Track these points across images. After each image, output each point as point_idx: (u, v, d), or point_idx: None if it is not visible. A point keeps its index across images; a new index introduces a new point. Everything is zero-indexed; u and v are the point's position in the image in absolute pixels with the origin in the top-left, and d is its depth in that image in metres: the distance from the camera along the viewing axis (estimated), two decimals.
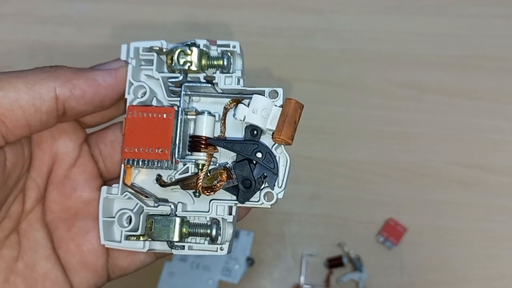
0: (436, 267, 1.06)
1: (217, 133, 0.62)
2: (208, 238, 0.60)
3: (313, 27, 1.20)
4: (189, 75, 0.61)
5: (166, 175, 0.62)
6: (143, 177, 0.63)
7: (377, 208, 1.09)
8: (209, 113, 0.61)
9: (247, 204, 0.60)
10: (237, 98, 0.61)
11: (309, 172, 1.11)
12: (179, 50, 0.60)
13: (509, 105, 1.13)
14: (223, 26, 1.21)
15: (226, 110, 0.62)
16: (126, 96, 0.61)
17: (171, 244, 0.60)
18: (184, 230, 0.60)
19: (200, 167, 0.61)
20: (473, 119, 1.13)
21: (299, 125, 0.60)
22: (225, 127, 0.62)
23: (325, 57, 1.18)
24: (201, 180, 0.59)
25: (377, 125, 1.13)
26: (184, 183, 0.60)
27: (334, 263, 1.06)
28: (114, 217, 0.61)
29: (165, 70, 0.62)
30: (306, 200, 1.10)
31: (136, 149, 0.59)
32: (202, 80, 0.61)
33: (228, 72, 0.61)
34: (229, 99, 0.62)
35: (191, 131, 0.62)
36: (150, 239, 0.60)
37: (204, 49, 0.61)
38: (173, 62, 0.60)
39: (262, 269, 1.08)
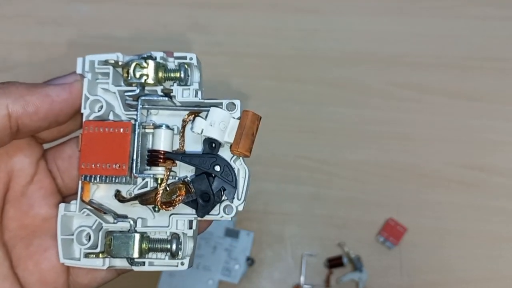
0: (436, 268, 1.06)
1: (176, 147, 0.61)
2: (168, 253, 0.60)
3: (313, 28, 1.21)
4: (146, 88, 0.60)
5: (125, 190, 0.61)
6: (102, 193, 0.62)
7: (377, 208, 1.09)
8: (167, 126, 0.61)
9: (207, 217, 0.59)
10: (195, 111, 0.60)
11: (309, 172, 1.12)
12: (135, 63, 0.59)
13: (509, 106, 1.14)
14: (223, 27, 1.21)
15: (184, 123, 0.61)
16: (82, 110, 0.60)
17: (131, 260, 0.59)
18: (144, 246, 0.59)
19: (159, 181, 0.60)
20: (473, 120, 1.13)
21: (256, 136, 0.59)
22: (184, 140, 0.61)
23: (325, 58, 1.19)
24: (159, 195, 0.58)
25: (377, 125, 1.14)
26: (143, 198, 0.59)
27: (334, 263, 1.06)
28: (73, 235, 0.60)
29: (122, 83, 0.62)
30: (306, 200, 1.11)
31: (93, 165, 0.59)
32: (159, 93, 0.60)
33: (186, 85, 0.61)
34: (187, 112, 0.61)
35: (149, 145, 0.61)
36: (109, 256, 0.59)
37: (161, 61, 0.60)
38: (129, 75, 0.59)
39: (262, 269, 1.08)
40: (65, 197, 0.65)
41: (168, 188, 0.59)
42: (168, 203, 0.58)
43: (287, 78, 1.18)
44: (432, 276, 1.06)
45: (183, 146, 0.61)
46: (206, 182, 0.59)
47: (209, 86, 1.15)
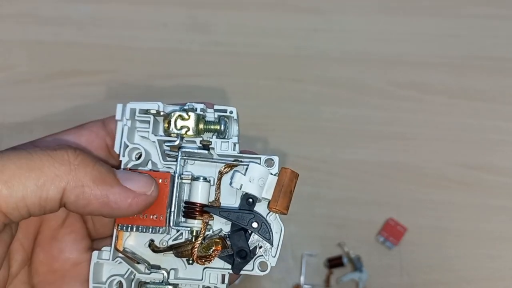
0: (436, 267, 1.06)
1: (211, 198, 0.61)
2: None
3: (313, 27, 1.20)
4: (185, 138, 0.60)
5: (158, 239, 0.62)
6: (134, 240, 0.62)
7: (377, 208, 1.09)
8: (205, 178, 0.61)
9: (241, 272, 0.60)
10: (232, 164, 0.61)
11: (309, 172, 1.11)
12: (176, 115, 0.59)
13: (509, 105, 1.14)
14: (223, 27, 1.20)
15: (221, 175, 0.61)
16: (121, 158, 0.61)
17: None
18: None
19: (194, 233, 0.60)
20: (473, 120, 1.14)
21: (294, 193, 0.60)
22: (220, 192, 0.61)
23: (325, 58, 1.18)
24: (196, 249, 0.59)
25: (377, 125, 1.14)
26: (178, 251, 0.60)
27: (334, 263, 1.07)
28: (104, 283, 0.60)
29: (161, 132, 0.62)
30: (306, 200, 1.10)
31: None
32: (198, 144, 0.61)
33: (224, 138, 0.61)
34: (223, 164, 0.61)
35: (185, 196, 0.61)
36: None
37: (201, 113, 0.60)
38: (170, 126, 0.60)
39: None
40: (94, 240, 0.65)
41: (203, 242, 0.60)
42: (204, 258, 0.59)
43: (287, 78, 1.18)
44: (432, 276, 1.06)
45: (219, 198, 0.61)
46: (244, 238, 0.60)
47: (210, 86, 1.16)
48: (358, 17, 1.20)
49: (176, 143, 0.60)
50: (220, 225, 0.61)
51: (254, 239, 0.60)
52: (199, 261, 0.59)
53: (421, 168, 1.11)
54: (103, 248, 0.61)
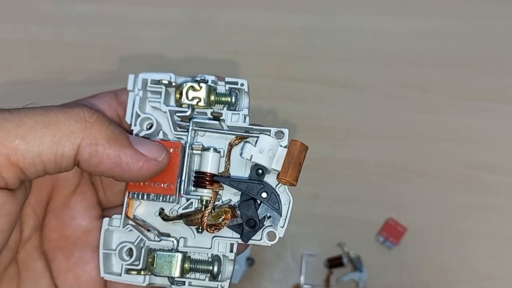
0: (436, 267, 1.06)
1: (221, 169, 0.62)
2: (209, 275, 0.60)
3: (313, 26, 1.20)
4: (196, 109, 0.61)
5: (168, 208, 0.62)
6: (144, 209, 0.63)
7: (377, 208, 1.09)
8: (215, 149, 0.62)
9: (250, 242, 0.61)
10: (242, 135, 0.61)
11: (309, 172, 1.07)
12: (188, 86, 0.60)
13: (509, 105, 1.14)
14: (223, 26, 1.21)
15: (231, 146, 0.62)
16: (132, 127, 0.61)
17: (172, 279, 0.60)
18: (186, 266, 0.60)
19: (204, 203, 0.61)
20: (474, 119, 1.14)
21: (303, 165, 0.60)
22: (229, 163, 0.62)
23: (325, 57, 1.19)
24: (206, 218, 0.59)
25: (377, 124, 1.14)
26: (188, 219, 0.60)
27: (334, 263, 1.07)
28: (114, 250, 0.61)
29: (172, 103, 0.63)
30: (306, 200, 1.10)
31: (141, 183, 0.59)
32: (209, 115, 0.61)
33: (235, 110, 0.62)
34: (234, 136, 0.62)
35: (195, 166, 0.62)
36: (150, 274, 0.60)
37: (212, 85, 0.61)
38: (182, 97, 0.60)
39: (262, 269, 1.08)
40: (105, 209, 0.65)
41: (213, 211, 0.60)
42: (214, 226, 0.59)
43: (287, 77, 1.18)
44: (432, 276, 1.07)
45: (228, 169, 0.62)
46: (253, 208, 0.60)
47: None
48: (358, 17, 1.21)
49: (188, 113, 0.60)
50: (230, 195, 0.62)
51: (264, 209, 0.60)
52: (208, 229, 0.59)
53: (421, 168, 1.11)
54: (113, 216, 0.61)
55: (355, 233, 1.09)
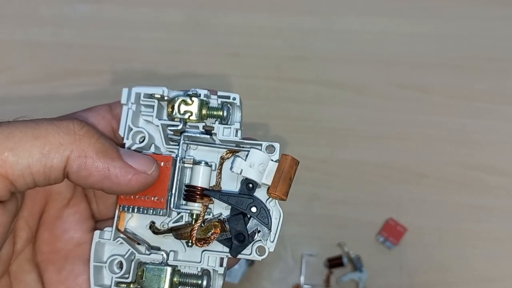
0: (435, 268, 1.06)
1: (212, 183, 0.62)
2: None
3: (312, 28, 1.21)
4: (188, 123, 0.61)
5: (159, 221, 0.62)
6: (135, 222, 0.63)
7: (377, 208, 1.09)
8: (206, 163, 0.62)
9: (239, 256, 0.61)
10: (234, 149, 0.61)
11: (309, 172, 1.11)
12: (180, 100, 0.61)
13: (508, 106, 1.14)
14: (222, 27, 1.21)
15: (222, 160, 0.62)
16: (125, 141, 0.62)
17: None
18: (175, 279, 0.60)
19: (194, 217, 0.61)
20: (473, 120, 1.14)
21: (294, 178, 0.60)
22: (221, 177, 0.62)
23: (325, 58, 1.19)
24: (195, 232, 0.59)
25: (377, 125, 1.14)
26: (178, 233, 0.60)
27: (334, 263, 1.07)
28: (105, 263, 0.61)
29: (165, 116, 0.63)
30: (306, 200, 1.10)
31: (132, 196, 0.60)
32: (201, 129, 0.61)
33: (227, 124, 0.62)
34: (225, 149, 0.62)
35: (186, 180, 0.62)
36: (139, 287, 0.60)
37: (205, 99, 0.61)
38: (174, 111, 0.61)
39: (262, 269, 1.08)
40: (97, 221, 0.66)
41: (203, 225, 0.60)
42: (203, 240, 0.60)
43: (287, 78, 1.18)
44: (432, 276, 1.06)
45: (219, 183, 0.62)
46: (242, 222, 0.60)
47: (210, 86, 1.16)
48: (358, 18, 1.21)
49: (179, 127, 0.61)
50: (220, 209, 0.62)
51: (253, 223, 0.60)
52: (198, 243, 0.59)
53: (421, 168, 1.11)
54: (105, 229, 0.61)
55: (355, 233, 1.09)
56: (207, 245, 0.60)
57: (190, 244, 0.61)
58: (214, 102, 0.62)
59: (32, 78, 1.17)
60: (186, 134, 0.61)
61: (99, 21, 1.21)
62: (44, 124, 0.50)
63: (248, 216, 0.60)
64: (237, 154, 0.62)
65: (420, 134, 1.13)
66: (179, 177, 0.60)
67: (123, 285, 0.60)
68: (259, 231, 0.60)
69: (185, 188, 0.61)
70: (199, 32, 1.20)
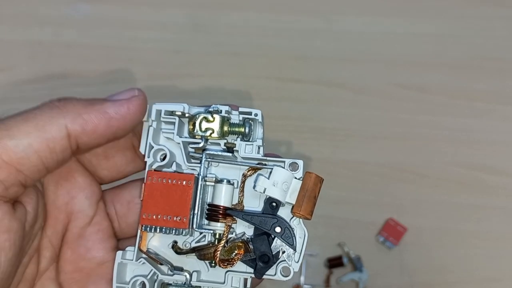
0: (436, 267, 1.06)
1: (234, 201, 0.61)
2: None
3: (313, 28, 1.19)
4: (210, 140, 0.60)
5: (181, 240, 0.61)
6: (157, 241, 0.62)
7: (377, 208, 1.09)
8: (228, 181, 0.60)
9: (263, 277, 0.59)
10: (256, 167, 0.60)
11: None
12: (201, 117, 0.59)
13: (509, 106, 1.14)
14: (223, 27, 1.19)
15: (245, 177, 0.61)
16: (146, 159, 0.60)
17: None
18: None
19: (217, 236, 0.60)
20: (473, 120, 1.13)
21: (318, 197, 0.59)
22: (243, 195, 0.61)
23: (325, 58, 1.18)
24: (219, 252, 0.58)
25: (377, 125, 1.13)
26: (201, 253, 0.59)
27: (334, 263, 1.06)
28: (128, 284, 0.59)
29: (185, 133, 0.61)
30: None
31: (154, 216, 0.58)
32: (222, 146, 0.60)
33: (249, 140, 0.61)
34: (246, 166, 0.61)
35: (208, 198, 0.61)
36: None
37: (226, 115, 0.60)
38: (195, 128, 0.59)
39: None
40: (119, 240, 0.65)
41: (226, 245, 0.59)
42: (227, 261, 0.58)
43: (287, 78, 1.17)
44: (432, 276, 1.06)
45: (242, 201, 0.61)
46: (267, 243, 0.59)
47: (210, 86, 1.15)
48: (358, 18, 1.20)
49: (201, 145, 0.59)
50: (243, 228, 0.61)
51: (277, 243, 0.59)
52: (221, 264, 0.58)
53: (421, 168, 1.10)
54: (127, 248, 0.60)
55: (355, 233, 1.08)
56: (231, 266, 0.58)
57: (213, 264, 0.60)
58: (235, 118, 0.61)
59: (32, 78, 1.16)
60: (208, 152, 0.60)
61: (99, 21, 1.20)
62: (28, 111, 0.51)
63: (272, 236, 0.59)
64: (259, 171, 0.61)
65: (420, 134, 1.12)
66: (201, 196, 0.59)
67: None
68: (283, 252, 0.59)
69: (208, 207, 0.60)
70: (199, 32, 1.19)
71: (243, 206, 0.61)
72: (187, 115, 0.60)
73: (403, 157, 1.11)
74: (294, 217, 0.60)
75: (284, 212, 0.60)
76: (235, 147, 0.60)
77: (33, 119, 0.50)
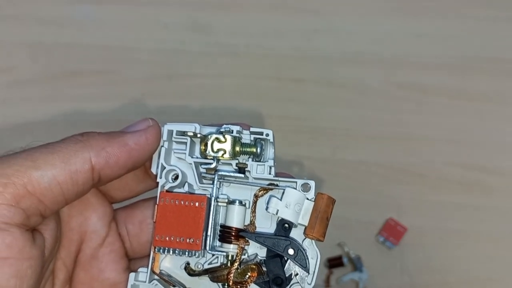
0: (436, 268, 1.06)
1: (247, 221, 0.61)
2: None
3: (313, 28, 1.19)
4: (221, 160, 0.60)
5: (194, 261, 0.61)
6: (169, 262, 0.62)
7: (377, 208, 1.09)
8: (240, 202, 0.60)
9: None
10: (267, 188, 0.60)
11: (309, 172, 1.11)
12: (213, 138, 0.59)
13: (509, 106, 1.14)
14: (223, 27, 1.19)
15: (256, 198, 0.61)
16: (158, 179, 0.60)
17: None
18: None
19: (230, 258, 0.60)
20: (474, 121, 1.13)
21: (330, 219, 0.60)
22: (255, 216, 0.61)
23: (325, 58, 1.18)
24: (232, 275, 0.58)
25: (377, 126, 1.13)
26: (214, 275, 0.59)
27: (334, 263, 1.06)
28: None
29: (197, 153, 0.61)
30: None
31: (167, 238, 0.58)
32: (234, 166, 0.60)
33: (260, 161, 0.61)
34: (258, 186, 0.61)
35: (220, 219, 0.61)
36: None
37: (237, 135, 0.60)
38: (207, 149, 0.59)
39: None
40: (131, 260, 0.65)
41: (239, 267, 0.59)
42: (240, 283, 0.58)
43: (287, 78, 1.17)
44: (432, 276, 1.06)
45: (254, 222, 0.61)
46: (280, 265, 0.59)
47: (210, 86, 1.15)
48: (358, 18, 1.20)
49: (213, 165, 0.59)
50: (256, 249, 0.61)
51: (290, 265, 0.59)
52: (234, 286, 0.58)
53: (421, 168, 1.11)
54: (139, 269, 0.60)
55: (355, 233, 1.08)
56: None
57: (226, 286, 0.60)
58: (246, 137, 0.61)
59: (33, 78, 1.16)
60: (220, 173, 0.60)
61: (99, 21, 1.20)
62: (53, 143, 0.52)
63: (285, 257, 0.59)
64: (271, 192, 0.61)
65: (420, 134, 1.12)
66: (214, 218, 0.59)
67: None
68: (296, 274, 0.59)
69: (220, 229, 0.60)
70: (199, 32, 1.19)
71: (255, 227, 0.61)
72: (198, 135, 0.60)
73: (403, 157, 1.11)
74: (306, 238, 0.59)
75: (296, 233, 0.60)
76: (246, 167, 0.60)
77: (58, 152, 0.51)
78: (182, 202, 0.59)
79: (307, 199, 0.59)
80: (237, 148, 0.60)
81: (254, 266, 0.59)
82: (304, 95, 1.16)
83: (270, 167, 0.60)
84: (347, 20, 1.20)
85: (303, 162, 1.12)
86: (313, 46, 1.19)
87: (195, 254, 0.58)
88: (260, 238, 0.59)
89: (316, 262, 0.59)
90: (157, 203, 0.60)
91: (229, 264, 0.60)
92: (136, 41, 1.19)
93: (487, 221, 1.08)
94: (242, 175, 0.60)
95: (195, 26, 1.19)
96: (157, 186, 0.61)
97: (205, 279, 0.61)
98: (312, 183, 0.60)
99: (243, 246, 0.59)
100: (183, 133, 0.60)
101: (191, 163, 0.60)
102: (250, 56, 1.18)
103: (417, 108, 1.14)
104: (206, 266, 0.60)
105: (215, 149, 0.59)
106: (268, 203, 0.59)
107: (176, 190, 0.61)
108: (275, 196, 0.59)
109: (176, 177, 0.61)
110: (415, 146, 1.12)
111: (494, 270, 1.06)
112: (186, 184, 0.61)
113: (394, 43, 1.18)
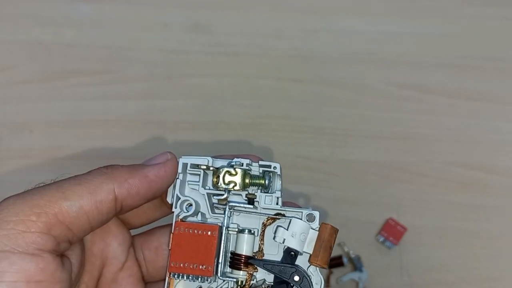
0: (436, 267, 1.10)
1: (255, 249, 0.68)
2: None
3: (313, 28, 1.23)
4: (232, 191, 0.68)
5: (206, 286, 0.68)
6: (183, 286, 0.69)
7: (377, 208, 1.13)
8: (249, 231, 0.68)
9: None
10: (274, 217, 0.68)
11: (309, 172, 1.15)
12: (225, 171, 0.67)
13: (509, 106, 1.18)
14: (223, 27, 1.23)
15: (264, 226, 0.68)
16: (173, 209, 0.68)
17: None
18: None
19: (239, 283, 0.67)
20: (473, 120, 1.17)
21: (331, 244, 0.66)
22: (263, 243, 0.68)
23: (325, 58, 1.22)
24: None
25: (377, 125, 1.17)
26: None
27: (334, 263, 1.10)
28: None
29: (209, 183, 0.69)
30: (306, 201, 1.13)
31: (181, 264, 0.66)
32: (244, 197, 0.68)
33: (268, 192, 0.68)
34: (267, 216, 0.68)
35: (230, 246, 0.68)
36: None
37: (247, 168, 0.67)
38: (219, 181, 0.67)
39: None
40: (147, 283, 0.72)
41: None
42: None
43: (287, 78, 1.21)
44: (432, 276, 1.10)
45: (262, 250, 0.68)
46: None
47: (210, 86, 1.20)
48: (358, 18, 1.24)
49: (224, 196, 0.67)
50: (264, 274, 0.68)
51: None
52: None
53: (421, 168, 1.15)
54: None
55: (355, 233, 1.12)
56: None
57: None
58: (255, 169, 0.69)
59: (33, 78, 1.20)
60: (231, 203, 0.67)
61: (99, 21, 1.24)
62: (80, 176, 0.59)
63: (291, 284, 0.66)
64: (278, 223, 0.68)
65: (420, 133, 1.17)
66: (224, 246, 0.66)
67: None
68: None
69: (230, 256, 0.68)
70: (199, 32, 1.23)
71: (264, 254, 0.68)
72: (211, 168, 0.67)
73: (403, 157, 1.16)
74: (311, 265, 0.67)
75: (301, 260, 0.67)
76: (255, 198, 0.68)
77: (85, 183, 0.58)
78: (196, 231, 0.66)
79: (312, 228, 0.66)
80: (247, 180, 0.67)
81: None
82: (304, 95, 1.20)
83: (278, 198, 0.68)
84: (347, 20, 1.25)
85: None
86: (313, 46, 1.23)
87: (207, 280, 0.66)
88: (268, 265, 0.66)
89: (320, 287, 0.66)
90: (172, 231, 0.67)
91: None
92: (136, 41, 1.23)
93: (487, 220, 1.13)
94: (251, 206, 0.67)
95: (195, 26, 1.24)
96: (172, 212, 0.69)
97: None
98: (316, 214, 0.67)
99: (252, 272, 0.67)
100: (197, 166, 0.68)
101: (204, 194, 0.68)
102: (250, 56, 1.22)
103: (417, 108, 1.19)
104: None
105: (226, 181, 0.67)
106: (275, 232, 0.67)
107: (189, 219, 0.68)
108: (282, 226, 0.67)
109: (189, 206, 0.68)
110: (415, 145, 1.17)
111: (494, 270, 1.11)
112: (199, 213, 0.69)
113: (393, 42, 1.23)
